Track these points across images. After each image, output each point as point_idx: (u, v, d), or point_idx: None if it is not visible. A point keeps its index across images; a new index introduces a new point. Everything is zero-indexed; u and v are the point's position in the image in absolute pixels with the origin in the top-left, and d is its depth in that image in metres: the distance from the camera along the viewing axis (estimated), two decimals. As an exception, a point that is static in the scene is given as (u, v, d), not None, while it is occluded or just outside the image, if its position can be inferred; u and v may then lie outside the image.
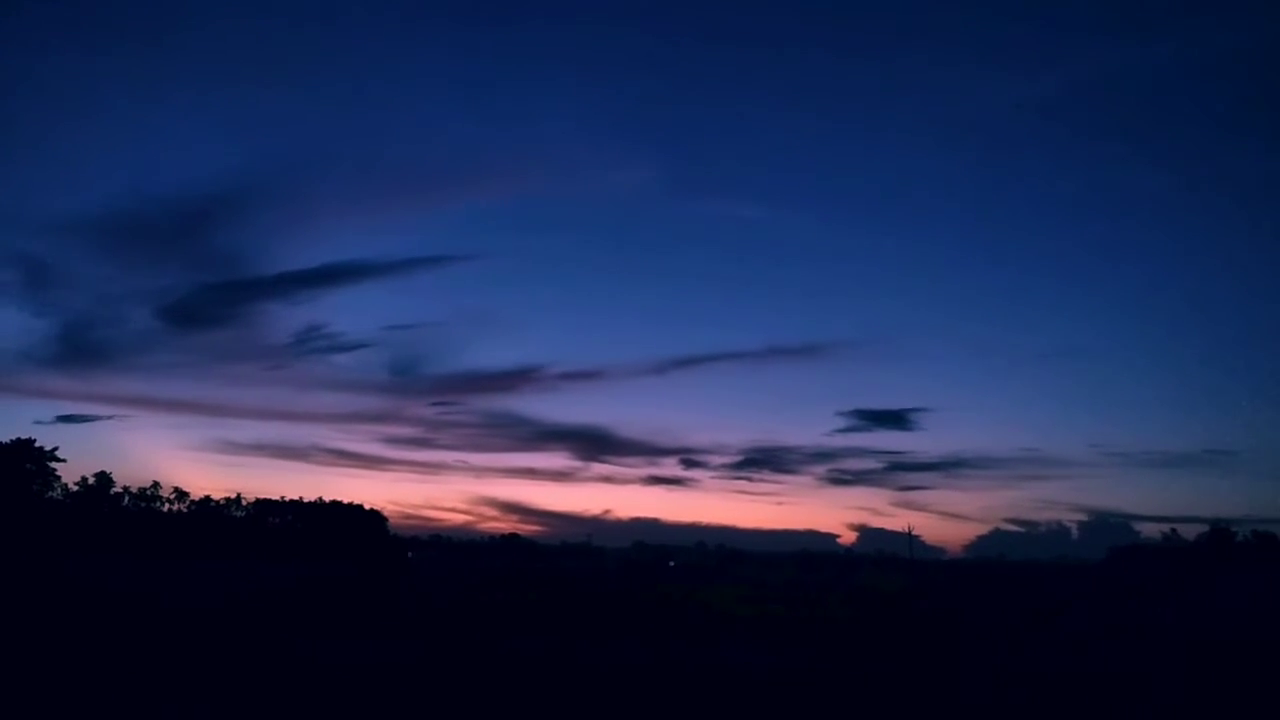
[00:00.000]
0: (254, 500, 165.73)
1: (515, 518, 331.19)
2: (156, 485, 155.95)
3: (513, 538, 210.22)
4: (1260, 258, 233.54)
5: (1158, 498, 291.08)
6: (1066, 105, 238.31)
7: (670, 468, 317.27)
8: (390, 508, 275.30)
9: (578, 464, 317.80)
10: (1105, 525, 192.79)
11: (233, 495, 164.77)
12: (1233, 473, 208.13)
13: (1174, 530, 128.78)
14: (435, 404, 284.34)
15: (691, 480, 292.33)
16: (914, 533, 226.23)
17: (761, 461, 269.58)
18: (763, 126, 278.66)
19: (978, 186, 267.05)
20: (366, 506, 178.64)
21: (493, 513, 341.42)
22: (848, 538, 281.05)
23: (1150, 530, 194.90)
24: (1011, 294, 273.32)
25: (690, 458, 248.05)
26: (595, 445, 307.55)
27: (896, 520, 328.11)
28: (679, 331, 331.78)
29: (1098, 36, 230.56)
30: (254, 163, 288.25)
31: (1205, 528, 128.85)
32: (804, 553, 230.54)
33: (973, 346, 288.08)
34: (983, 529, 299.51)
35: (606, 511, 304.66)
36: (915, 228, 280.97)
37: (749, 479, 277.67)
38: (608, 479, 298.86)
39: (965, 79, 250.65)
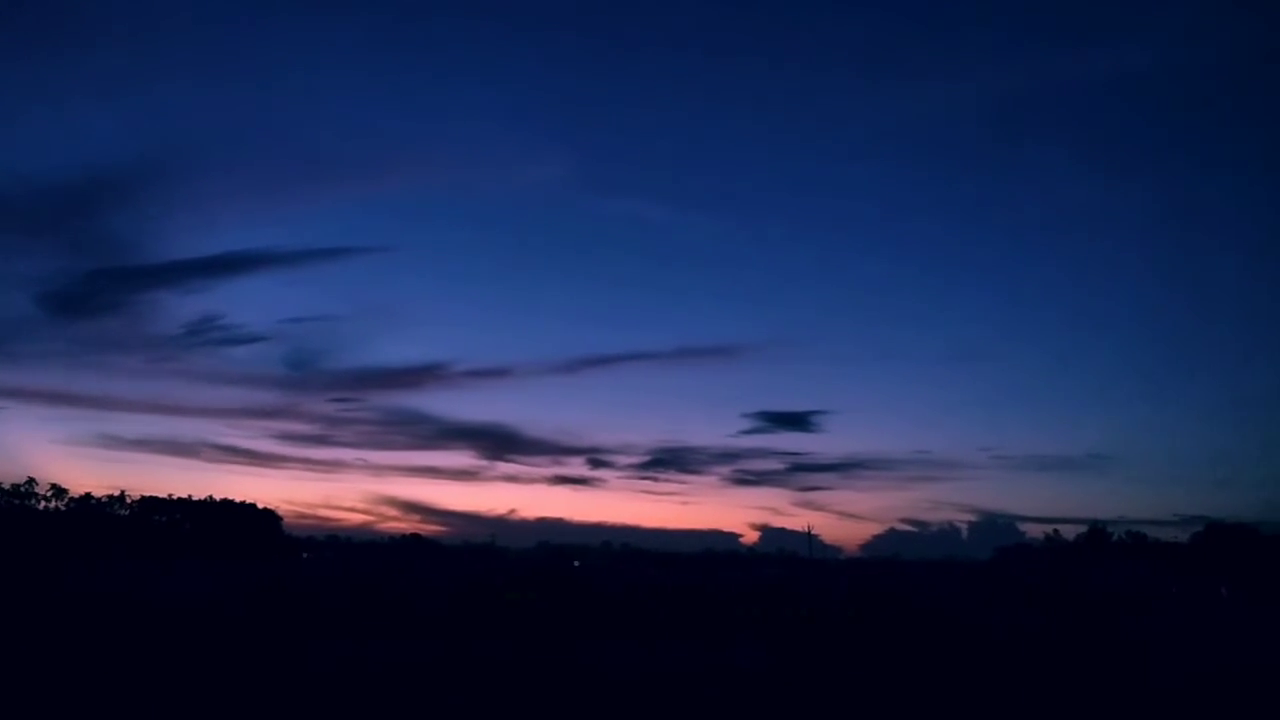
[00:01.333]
0: (138, 498, 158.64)
1: (417, 518, 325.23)
2: (32, 482, 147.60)
3: (414, 538, 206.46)
4: (1144, 273, 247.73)
5: (1041, 499, 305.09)
6: (974, 115, 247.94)
7: (577, 467, 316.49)
8: (285, 507, 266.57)
9: (482, 463, 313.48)
10: (993, 525, 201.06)
11: (115, 493, 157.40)
12: (1110, 476, 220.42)
13: (1056, 531, 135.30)
14: (334, 400, 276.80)
15: (598, 480, 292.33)
16: (813, 532, 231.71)
17: (668, 462, 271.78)
18: (677, 129, 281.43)
19: (882, 193, 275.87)
20: (259, 506, 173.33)
21: (393, 512, 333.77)
22: (750, 537, 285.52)
23: (1034, 530, 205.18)
24: (911, 300, 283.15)
25: (597, 457, 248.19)
26: (501, 444, 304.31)
27: (797, 520, 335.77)
28: (589, 330, 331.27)
29: (1014, 48, 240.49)
30: (146, 145, 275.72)
31: (1084, 528, 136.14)
32: (708, 552, 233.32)
33: (873, 351, 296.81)
34: (878, 528, 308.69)
35: (511, 511, 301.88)
36: (824, 233, 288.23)
37: (655, 479, 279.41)
38: (513, 478, 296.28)
39: (878, 87, 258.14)
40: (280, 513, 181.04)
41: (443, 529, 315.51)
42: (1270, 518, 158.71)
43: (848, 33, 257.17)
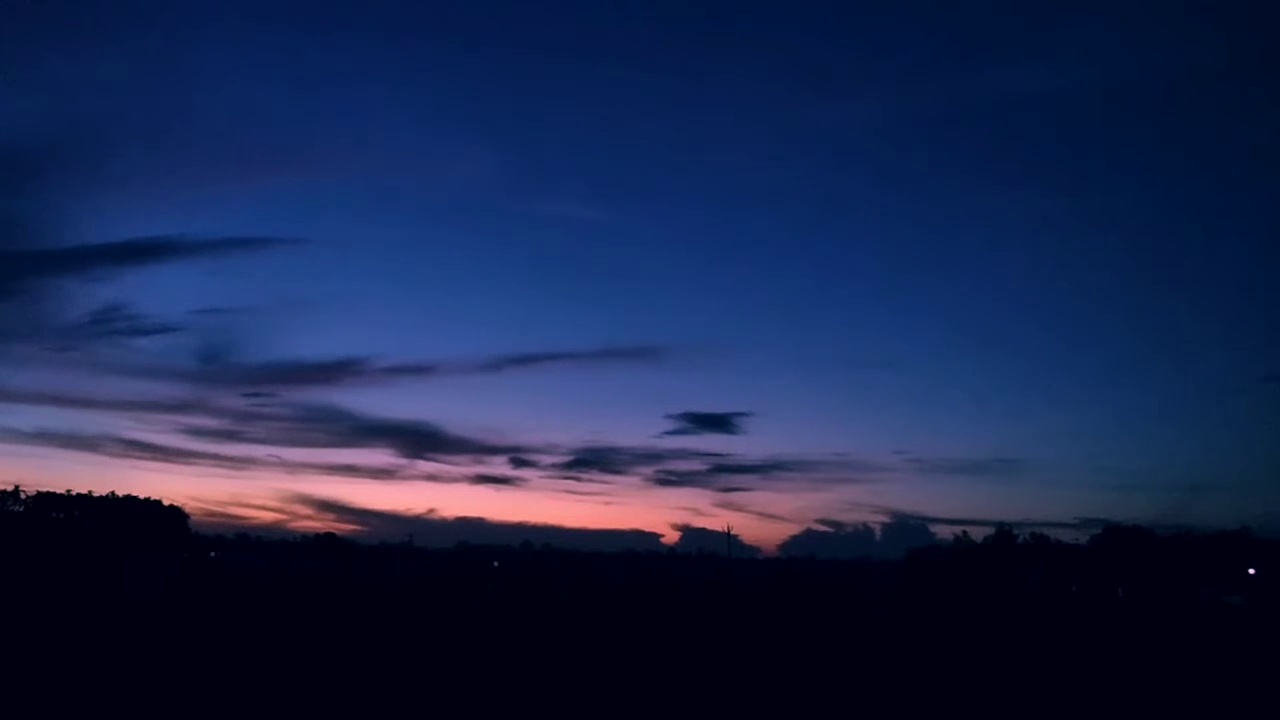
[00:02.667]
0: (35, 494, 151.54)
1: (332, 516, 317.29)
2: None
3: (328, 537, 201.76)
4: (1051, 286, 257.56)
5: (952, 501, 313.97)
6: (894, 128, 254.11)
7: (499, 467, 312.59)
8: (192, 504, 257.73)
9: (401, 461, 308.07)
10: (906, 527, 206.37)
11: (9, 488, 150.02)
12: (1018, 480, 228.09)
13: (965, 532, 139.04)
14: (247, 395, 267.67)
15: (520, 480, 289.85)
16: (733, 532, 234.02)
17: (591, 462, 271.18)
18: (605, 131, 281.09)
19: (806, 202, 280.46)
20: (165, 503, 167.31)
21: (307, 511, 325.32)
22: (671, 537, 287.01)
23: (945, 532, 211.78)
24: (833, 306, 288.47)
25: (520, 457, 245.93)
26: (421, 442, 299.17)
27: (718, 520, 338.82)
28: (513, 329, 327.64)
29: (931, 65, 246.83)
30: (50, 126, 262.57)
31: (992, 530, 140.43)
32: (629, 552, 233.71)
33: (795, 355, 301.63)
34: (796, 529, 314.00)
35: (431, 511, 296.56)
36: (748, 239, 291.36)
37: (578, 479, 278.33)
38: (433, 477, 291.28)
39: (800, 98, 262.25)
40: (187, 510, 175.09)
41: (359, 528, 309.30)
42: (1165, 521, 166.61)
43: (773, 43, 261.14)
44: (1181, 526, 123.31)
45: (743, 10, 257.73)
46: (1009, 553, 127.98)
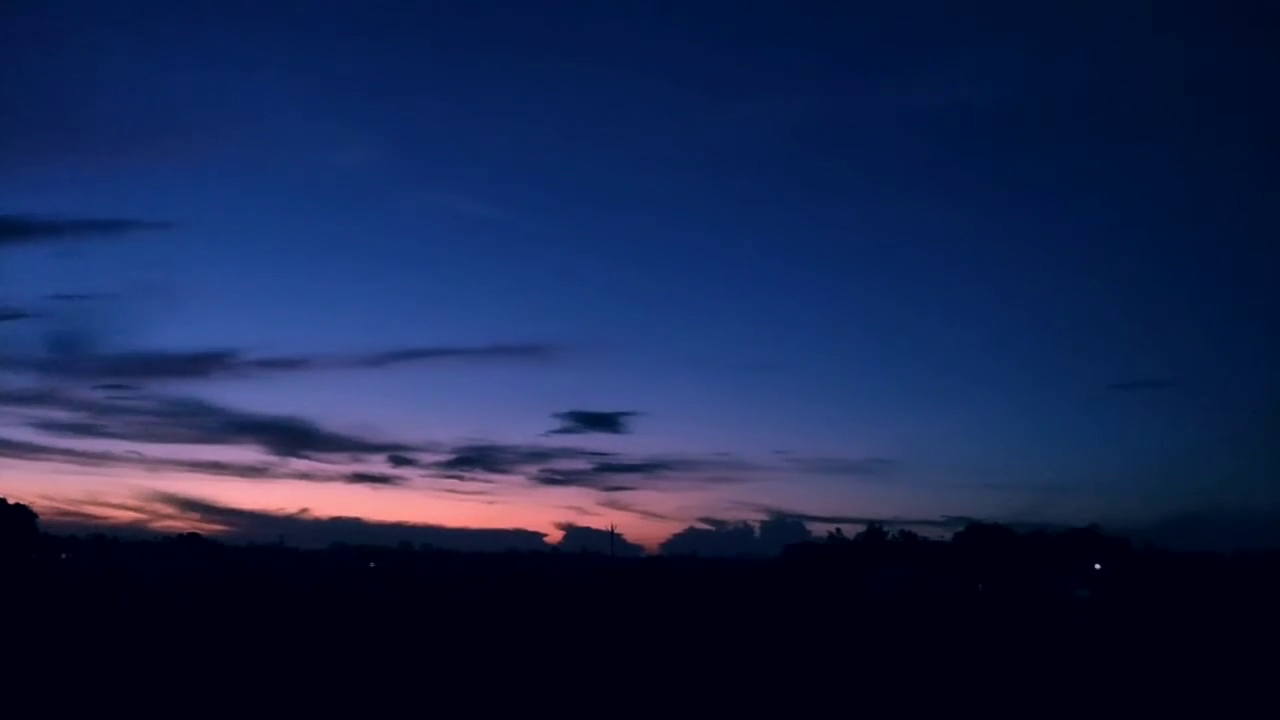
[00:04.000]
0: None
1: (196, 516, 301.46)
2: None
3: (192, 538, 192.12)
4: (925, 293, 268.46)
5: (827, 500, 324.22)
6: (792, 135, 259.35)
7: (378, 465, 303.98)
8: (42, 502, 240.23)
9: (273, 459, 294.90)
10: (783, 525, 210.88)
11: None
12: (889, 479, 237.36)
13: (838, 530, 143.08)
14: (105, 387, 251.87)
15: (400, 478, 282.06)
16: (616, 531, 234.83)
17: (475, 460, 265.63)
18: (496, 125, 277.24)
19: (698, 205, 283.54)
20: (10, 501, 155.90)
21: (170, 510, 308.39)
22: (555, 536, 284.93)
23: (819, 529, 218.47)
24: (721, 308, 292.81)
25: (400, 455, 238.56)
26: (295, 439, 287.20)
27: (602, 519, 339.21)
28: (396, 323, 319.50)
29: (838, 73, 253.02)
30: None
31: (864, 528, 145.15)
32: (511, 551, 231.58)
33: (682, 355, 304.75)
34: (679, 527, 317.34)
35: (304, 510, 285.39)
36: (639, 239, 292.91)
37: (461, 478, 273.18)
38: (306, 476, 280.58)
39: (696, 102, 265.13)
40: (36, 509, 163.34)
41: (226, 528, 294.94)
42: (1023, 519, 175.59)
43: (674, 44, 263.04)
44: (1037, 524, 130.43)
45: (647, 8, 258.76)
46: (879, 549, 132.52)
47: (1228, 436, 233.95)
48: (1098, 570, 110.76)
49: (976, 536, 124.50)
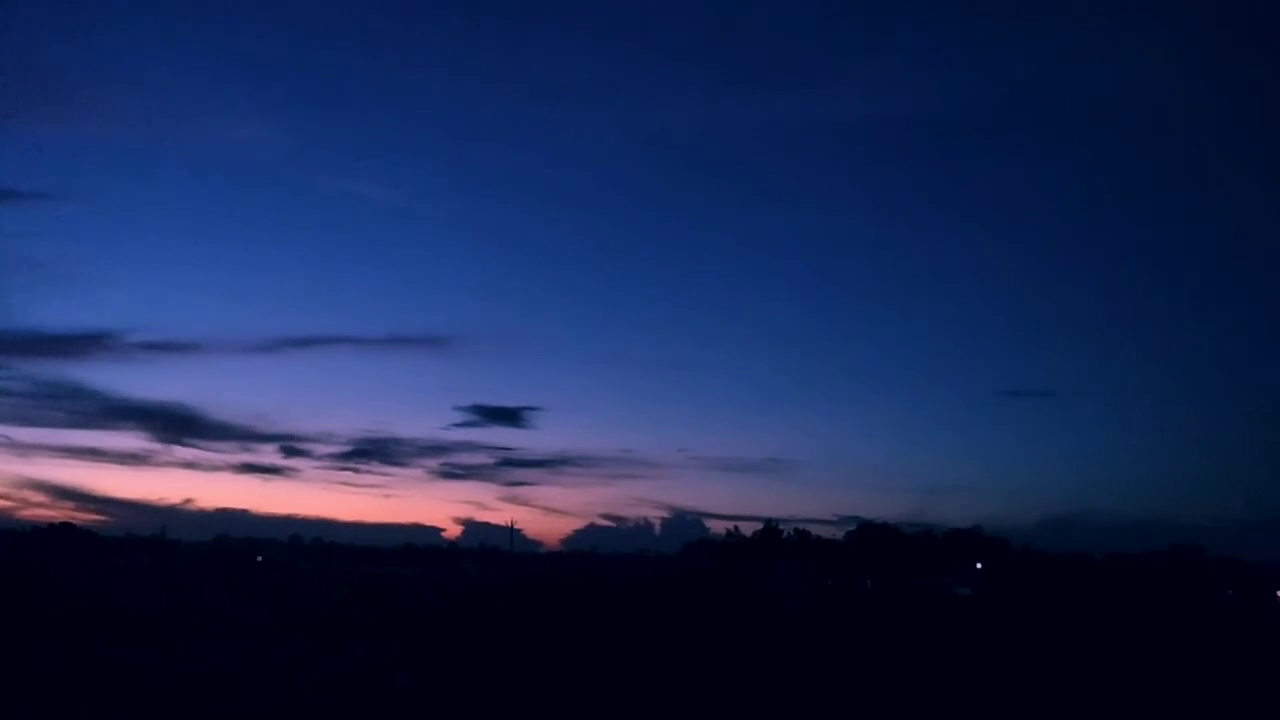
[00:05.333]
0: None
1: (70, 505, 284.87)
2: None
3: (64, 527, 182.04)
4: (822, 299, 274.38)
5: (726, 498, 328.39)
6: (693, 138, 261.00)
7: (268, 455, 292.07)
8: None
9: (156, 446, 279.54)
10: (683, 522, 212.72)
11: None
12: (786, 479, 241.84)
13: (736, 527, 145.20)
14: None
15: (291, 470, 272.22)
16: (516, 527, 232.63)
17: (371, 453, 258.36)
18: (406, 111, 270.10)
19: (605, 201, 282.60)
20: None
21: (40, 498, 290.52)
22: (453, 531, 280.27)
23: (718, 527, 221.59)
24: (626, 305, 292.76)
25: (292, 445, 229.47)
26: (180, 426, 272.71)
27: (502, 515, 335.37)
28: (292, 309, 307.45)
29: (735, 82, 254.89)
30: None
31: (760, 526, 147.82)
32: (407, 546, 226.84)
33: (586, 351, 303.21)
34: (579, 524, 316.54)
35: (187, 501, 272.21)
36: (544, 233, 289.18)
37: (356, 470, 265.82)
38: (191, 465, 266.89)
39: (601, 99, 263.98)
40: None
41: (102, 518, 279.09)
42: (911, 519, 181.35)
43: (586, 42, 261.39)
44: (924, 525, 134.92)
45: (562, 3, 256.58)
46: (774, 547, 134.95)
47: (1103, 445, 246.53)
48: (979, 569, 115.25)
49: (867, 535, 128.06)
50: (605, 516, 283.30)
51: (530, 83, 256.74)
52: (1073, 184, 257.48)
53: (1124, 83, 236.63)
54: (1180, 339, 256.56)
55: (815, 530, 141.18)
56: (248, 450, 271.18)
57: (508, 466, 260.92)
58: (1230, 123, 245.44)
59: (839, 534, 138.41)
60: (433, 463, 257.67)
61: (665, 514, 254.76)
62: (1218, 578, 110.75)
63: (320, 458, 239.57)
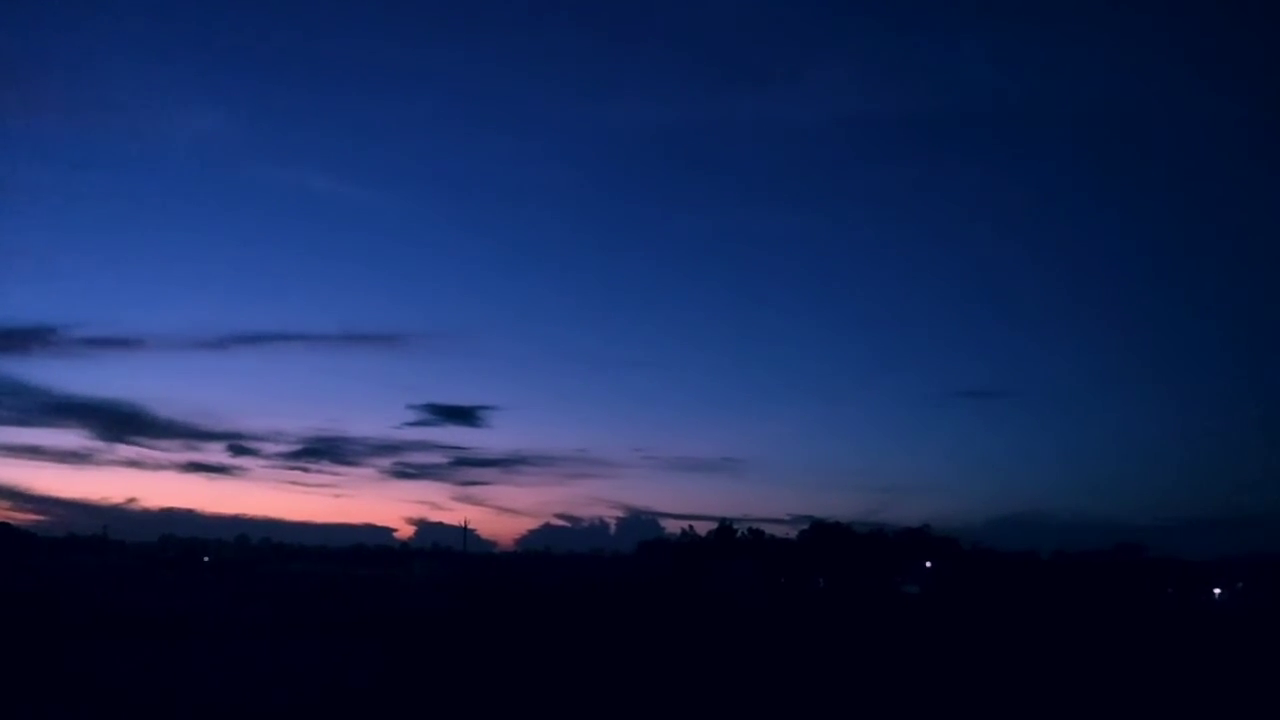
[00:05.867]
0: None
1: (7, 504, 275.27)
2: None
3: (3, 527, 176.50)
4: (779, 300, 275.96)
5: (682, 497, 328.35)
6: (654, 140, 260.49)
7: (215, 454, 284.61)
8: None
9: (98, 445, 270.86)
10: (638, 521, 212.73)
11: None
12: (741, 478, 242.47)
13: (691, 527, 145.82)
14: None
15: (239, 469, 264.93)
16: (470, 526, 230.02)
17: (322, 452, 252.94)
18: (361, 103, 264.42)
19: (561, 201, 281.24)
20: None
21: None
22: (405, 531, 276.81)
23: (673, 526, 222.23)
24: (584, 304, 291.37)
25: (240, 444, 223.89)
26: (123, 424, 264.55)
27: (455, 514, 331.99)
28: (242, 304, 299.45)
29: (696, 85, 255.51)
30: None
31: (715, 525, 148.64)
32: (358, 546, 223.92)
33: (543, 350, 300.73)
34: (534, 523, 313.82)
35: (131, 500, 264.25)
36: (501, 231, 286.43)
37: (306, 469, 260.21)
38: (135, 463, 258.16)
39: (560, 100, 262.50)
40: None
41: (41, 518, 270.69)
42: (863, 519, 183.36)
43: (549, 39, 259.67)
44: (876, 524, 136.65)
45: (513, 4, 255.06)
46: (729, 545, 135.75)
47: (1051, 445, 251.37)
48: (928, 568, 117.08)
49: (820, 534, 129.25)
50: (560, 516, 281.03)
51: (490, 78, 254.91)
52: (1025, 188, 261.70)
53: (1078, 85, 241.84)
54: (1127, 344, 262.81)
55: (769, 529, 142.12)
56: (194, 449, 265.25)
57: (462, 466, 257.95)
58: (1178, 126, 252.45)
59: (792, 533, 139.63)
60: (385, 462, 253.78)
61: (621, 513, 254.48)
62: (1159, 576, 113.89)
63: (269, 456, 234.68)
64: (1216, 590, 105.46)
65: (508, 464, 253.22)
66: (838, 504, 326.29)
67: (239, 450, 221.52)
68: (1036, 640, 42.81)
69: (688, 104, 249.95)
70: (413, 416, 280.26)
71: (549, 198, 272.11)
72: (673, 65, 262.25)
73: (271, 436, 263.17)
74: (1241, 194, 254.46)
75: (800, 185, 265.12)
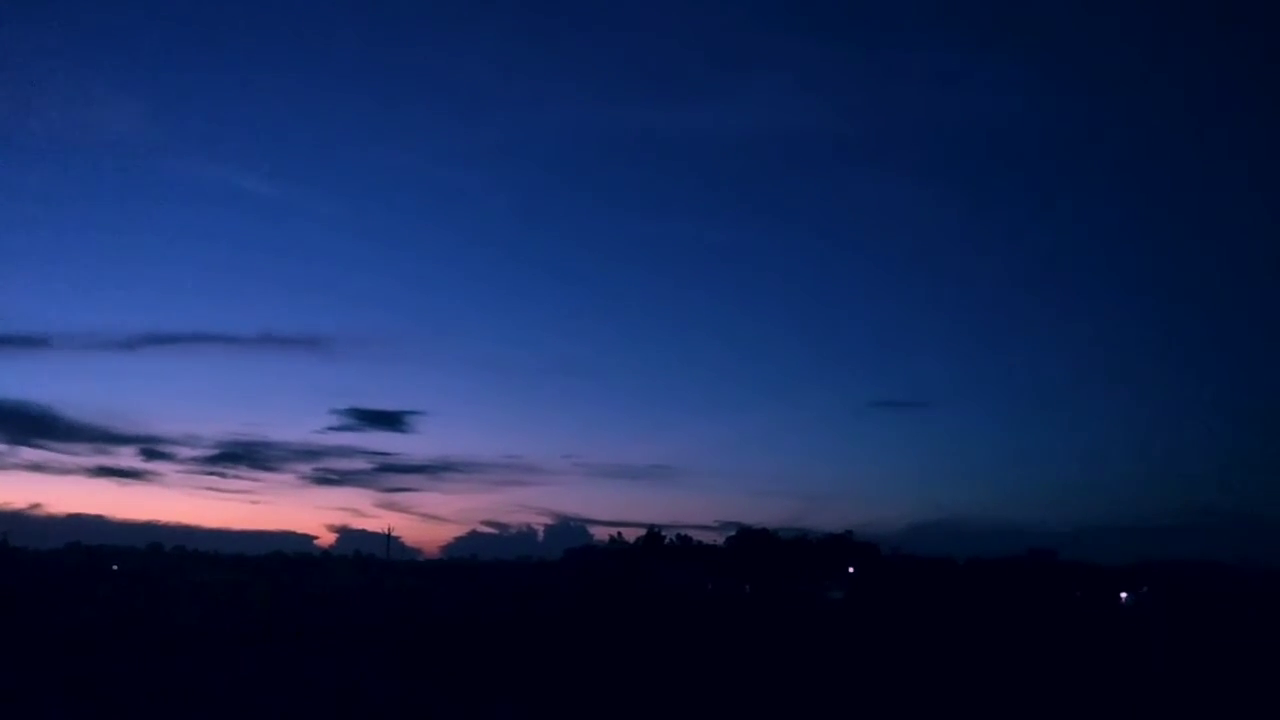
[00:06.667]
0: None
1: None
2: None
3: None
4: (708, 310, 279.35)
5: (611, 505, 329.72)
6: (594, 142, 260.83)
7: (127, 458, 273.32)
8: None
9: (1, 448, 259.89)
10: (567, 528, 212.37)
11: None
12: (668, 485, 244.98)
13: (619, 533, 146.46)
14: None
15: (152, 474, 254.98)
16: (394, 534, 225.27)
17: (240, 457, 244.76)
18: (286, 101, 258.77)
19: (496, 203, 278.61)
20: None
21: None
22: (326, 539, 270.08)
23: (602, 533, 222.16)
24: (511, 309, 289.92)
25: (153, 448, 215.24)
26: (26, 426, 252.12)
27: (379, 522, 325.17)
28: (155, 304, 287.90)
29: (638, 92, 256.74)
30: None
31: (644, 531, 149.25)
32: (277, 554, 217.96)
33: (472, 355, 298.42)
34: (461, 530, 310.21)
35: (35, 506, 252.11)
36: (430, 233, 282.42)
37: (223, 475, 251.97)
38: (39, 467, 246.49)
39: (504, 99, 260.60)
40: None
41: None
42: (788, 525, 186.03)
43: (480, 39, 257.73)
44: (800, 530, 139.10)
45: (444, 6, 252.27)
46: (657, 552, 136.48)
47: (968, 454, 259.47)
48: (851, 573, 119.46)
49: (746, 541, 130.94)
50: (487, 523, 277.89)
51: (419, 82, 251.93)
52: (944, 203, 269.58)
53: (1008, 101, 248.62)
54: (1040, 355, 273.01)
55: (697, 536, 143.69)
56: (103, 453, 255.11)
57: (386, 472, 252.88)
58: (1086, 139, 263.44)
59: (720, 539, 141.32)
60: (306, 468, 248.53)
61: (549, 520, 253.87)
62: (1068, 580, 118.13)
63: (184, 461, 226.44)
64: (1124, 594, 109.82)
65: (434, 470, 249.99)
66: (763, 511, 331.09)
67: (152, 454, 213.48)
68: (952, 641, 44.08)
69: (620, 114, 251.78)
70: (335, 421, 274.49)
71: (479, 203, 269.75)
72: (606, 75, 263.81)
73: (186, 440, 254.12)
74: (1161, 200, 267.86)
75: (727, 197, 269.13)
